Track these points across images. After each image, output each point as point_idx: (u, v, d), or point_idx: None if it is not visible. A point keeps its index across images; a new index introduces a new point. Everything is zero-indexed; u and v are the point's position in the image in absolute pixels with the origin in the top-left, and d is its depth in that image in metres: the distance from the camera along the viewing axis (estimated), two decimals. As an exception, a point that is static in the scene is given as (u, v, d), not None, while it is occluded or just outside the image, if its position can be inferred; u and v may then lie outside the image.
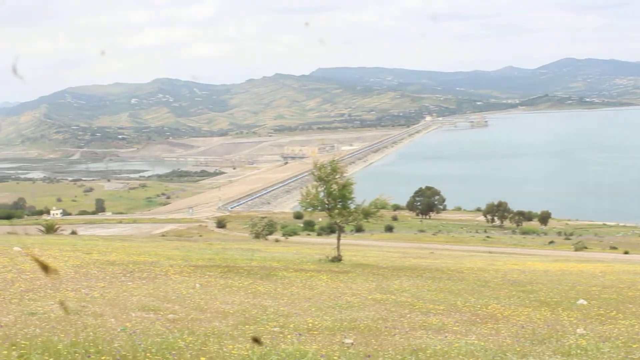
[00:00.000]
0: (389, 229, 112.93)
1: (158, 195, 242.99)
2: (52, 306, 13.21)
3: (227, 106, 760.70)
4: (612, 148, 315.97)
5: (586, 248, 76.88)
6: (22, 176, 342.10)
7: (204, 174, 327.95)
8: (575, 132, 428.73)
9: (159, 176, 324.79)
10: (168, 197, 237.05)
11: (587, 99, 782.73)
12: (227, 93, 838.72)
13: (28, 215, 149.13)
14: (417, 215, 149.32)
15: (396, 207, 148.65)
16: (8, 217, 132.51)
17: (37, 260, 6.14)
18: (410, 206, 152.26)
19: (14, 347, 8.98)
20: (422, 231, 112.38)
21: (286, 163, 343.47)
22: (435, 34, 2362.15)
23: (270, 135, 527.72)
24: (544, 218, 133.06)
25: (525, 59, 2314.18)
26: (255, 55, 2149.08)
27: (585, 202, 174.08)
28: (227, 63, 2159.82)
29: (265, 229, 76.37)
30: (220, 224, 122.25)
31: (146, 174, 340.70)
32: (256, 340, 10.20)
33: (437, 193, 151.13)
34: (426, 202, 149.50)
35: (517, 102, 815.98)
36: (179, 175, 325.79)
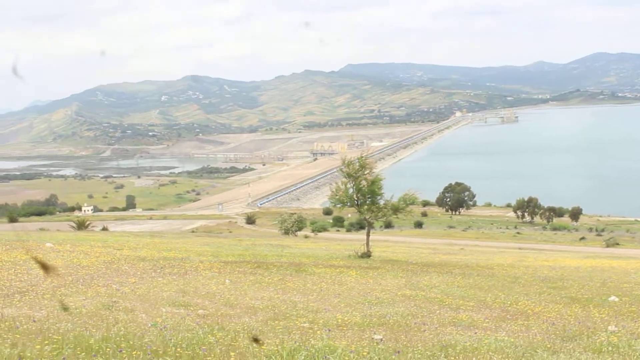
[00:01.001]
0: (419, 225, 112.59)
1: (188, 192, 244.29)
2: (83, 301, 13.36)
3: (256, 103, 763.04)
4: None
5: (618, 244, 75.97)
6: (54, 173, 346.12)
7: (234, 171, 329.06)
8: (607, 127, 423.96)
9: (189, 173, 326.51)
10: (198, 194, 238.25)
11: (620, 94, 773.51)
12: (256, 90, 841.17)
13: (60, 212, 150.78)
14: (447, 211, 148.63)
15: (425, 203, 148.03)
16: (40, 213, 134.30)
17: (36, 260, 6.23)
18: (440, 202, 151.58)
19: (46, 342, 9.09)
20: (451, 227, 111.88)
21: (315, 159, 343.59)
22: (465, 29, 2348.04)
23: (299, 132, 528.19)
24: (575, 214, 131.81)
25: (557, 53, 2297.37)
26: (283, 52, 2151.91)
27: (617, 198, 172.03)
28: (256, 60, 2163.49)
29: (294, 225, 76.53)
30: (250, 220, 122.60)
31: (176, 171, 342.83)
32: (256, 340, 10.23)
33: (467, 189, 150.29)
34: (456, 198, 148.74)
35: (548, 97, 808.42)
36: (209, 172, 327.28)
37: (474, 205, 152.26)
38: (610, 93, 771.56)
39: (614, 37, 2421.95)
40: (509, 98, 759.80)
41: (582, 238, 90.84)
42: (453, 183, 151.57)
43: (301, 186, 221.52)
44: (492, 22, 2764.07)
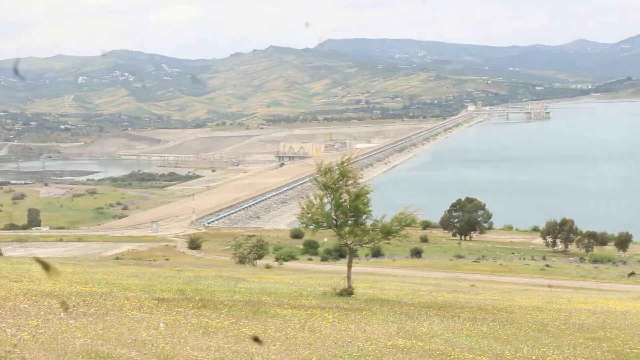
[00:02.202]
0: (417, 253, 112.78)
1: (112, 205, 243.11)
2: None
3: (205, 88, 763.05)
4: None
5: (679, 282, 76.62)
6: None
7: (174, 178, 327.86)
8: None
9: (114, 180, 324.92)
10: (125, 208, 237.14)
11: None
12: (205, 71, 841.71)
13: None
14: (454, 235, 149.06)
15: (426, 225, 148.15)
16: None
17: (37, 259, 6.60)
18: (446, 224, 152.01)
19: None
20: (460, 257, 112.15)
21: (282, 164, 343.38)
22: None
23: (261, 128, 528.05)
24: (623, 242, 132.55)
25: (602, 30, 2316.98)
26: (244, 21, 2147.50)
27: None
28: (207, 31, 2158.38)
29: (252, 251, 76.28)
30: (194, 244, 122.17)
31: (96, 177, 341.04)
32: (256, 340, 10.32)
33: (480, 207, 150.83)
34: (466, 219, 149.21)
35: (590, 87, 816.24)
36: (140, 179, 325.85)
37: (490, 228, 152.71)
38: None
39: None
40: (538, 88, 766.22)
41: (632, 273, 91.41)
42: (463, 199, 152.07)
43: (262, 200, 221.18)
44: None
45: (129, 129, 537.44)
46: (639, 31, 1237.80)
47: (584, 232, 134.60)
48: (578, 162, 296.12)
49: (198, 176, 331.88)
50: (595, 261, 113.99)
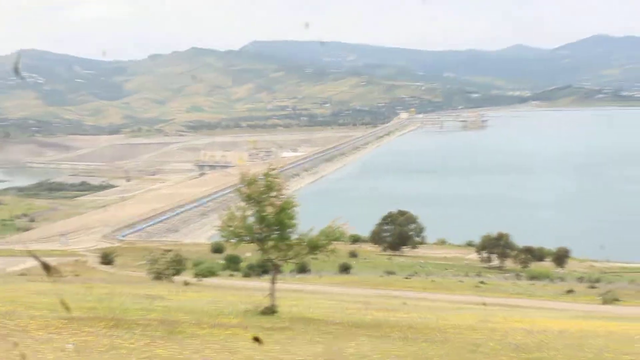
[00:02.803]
0: (345, 269, 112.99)
1: (17, 217, 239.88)
2: None
3: (121, 92, 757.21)
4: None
5: (618, 300, 77.72)
6: None
7: (85, 188, 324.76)
8: (608, 139, 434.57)
9: (20, 189, 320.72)
10: (32, 220, 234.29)
11: (626, 93, 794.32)
12: (121, 73, 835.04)
13: None
14: (385, 250, 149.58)
15: (356, 239, 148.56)
16: None
17: (37, 259, 6.69)
18: (376, 238, 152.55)
19: None
20: (391, 273, 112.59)
21: (203, 174, 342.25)
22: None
23: (181, 135, 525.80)
24: (561, 257, 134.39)
25: (541, 35, 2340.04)
26: (162, 20, 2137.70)
27: (618, 237, 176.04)
28: (122, 30, 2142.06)
29: (170, 267, 75.78)
30: (107, 258, 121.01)
31: (0, 187, 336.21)
32: (257, 340, 10.42)
33: (413, 220, 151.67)
34: (398, 233, 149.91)
35: (529, 94, 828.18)
36: (49, 189, 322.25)
37: (423, 242, 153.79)
38: (613, 91, 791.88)
39: (619, 14, 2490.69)
40: (474, 95, 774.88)
41: (570, 291, 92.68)
42: (394, 211, 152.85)
43: (181, 212, 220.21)
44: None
45: (38, 135, 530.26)
46: (579, 37, 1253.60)
47: (520, 247, 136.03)
48: (515, 173, 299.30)
49: (112, 186, 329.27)
50: (532, 278, 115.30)
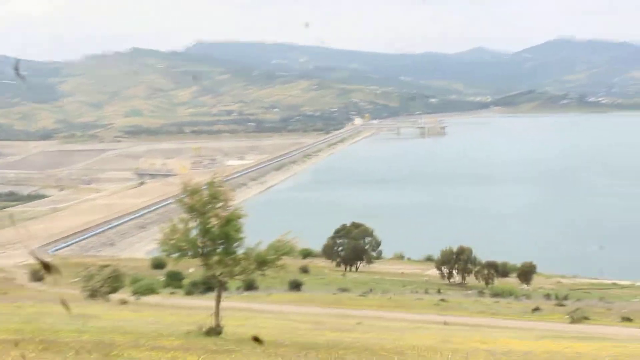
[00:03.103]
0: (296, 286, 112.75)
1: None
2: None
3: (54, 94, 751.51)
4: (628, 172, 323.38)
5: (587, 319, 78.17)
6: None
7: (14, 198, 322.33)
8: (572, 146, 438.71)
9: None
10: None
11: (591, 99, 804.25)
12: (55, 75, 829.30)
13: None
14: (339, 266, 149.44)
15: (307, 254, 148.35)
16: None
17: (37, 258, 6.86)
18: (329, 252, 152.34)
19: None
20: (345, 290, 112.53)
21: (142, 183, 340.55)
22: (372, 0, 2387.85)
23: (119, 141, 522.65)
24: (526, 273, 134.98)
25: (503, 38, 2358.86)
26: (102, 19, 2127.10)
27: (586, 251, 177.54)
28: (57, 28, 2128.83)
29: (106, 283, 75.18)
30: (37, 275, 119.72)
31: None
32: (257, 340, 10.31)
33: (368, 233, 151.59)
34: (352, 247, 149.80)
35: (489, 100, 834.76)
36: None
37: (379, 257, 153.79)
38: (578, 97, 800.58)
39: (584, 17, 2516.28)
40: (432, 100, 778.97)
41: (536, 309, 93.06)
42: (348, 224, 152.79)
43: (118, 224, 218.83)
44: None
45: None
46: (541, 40, 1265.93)
47: (483, 262, 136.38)
48: (476, 182, 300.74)
49: (43, 196, 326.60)
50: (495, 295, 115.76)
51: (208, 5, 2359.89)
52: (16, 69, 6.36)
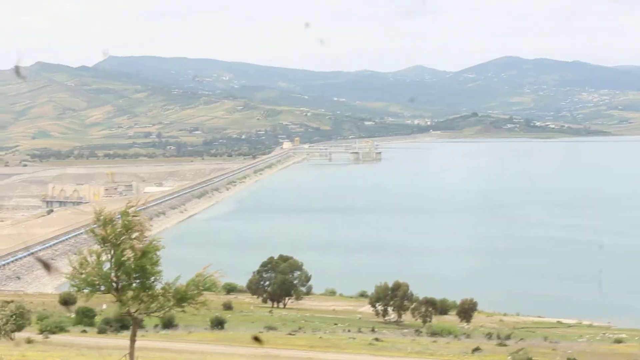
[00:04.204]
0: (219, 323, 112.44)
1: None
2: None
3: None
4: (575, 202, 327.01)
5: (531, 359, 78.96)
6: None
7: None
8: (517, 174, 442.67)
9: None
10: None
11: (537, 123, 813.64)
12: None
13: None
14: (265, 302, 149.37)
15: (231, 289, 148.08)
16: None
17: (37, 259, 6.91)
18: (254, 287, 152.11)
19: None
20: (272, 328, 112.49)
21: (51, 211, 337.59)
22: (301, 11, 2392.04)
23: (25, 165, 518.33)
24: (466, 310, 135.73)
25: (443, 56, 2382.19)
26: (3, 32, 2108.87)
27: (529, 287, 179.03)
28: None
29: (10, 321, 74.54)
30: None
31: None
32: (257, 339, 10.37)
33: (297, 267, 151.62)
34: (280, 282, 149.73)
35: (429, 123, 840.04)
36: None
37: (309, 293, 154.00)
38: (524, 121, 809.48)
39: (531, 34, 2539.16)
40: (367, 123, 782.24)
41: (477, 349, 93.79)
42: (275, 257, 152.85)
43: (24, 256, 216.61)
44: (343, 2, 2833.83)
45: None
46: (486, 58, 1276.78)
47: (420, 298, 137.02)
48: (413, 213, 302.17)
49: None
50: (434, 334, 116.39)
51: (120, 17, 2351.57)
52: (16, 69, 6.48)
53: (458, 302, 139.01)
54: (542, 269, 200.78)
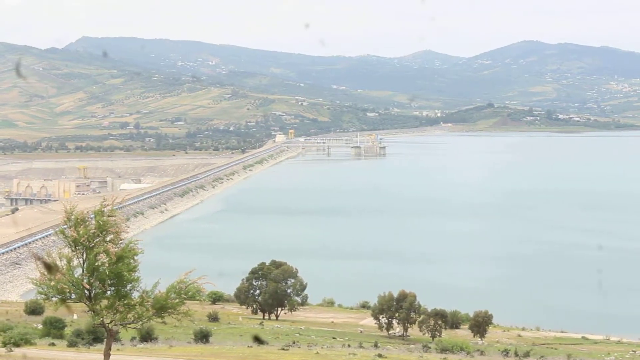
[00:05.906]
0: (203, 337, 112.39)
1: None
2: None
3: None
4: (604, 204, 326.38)
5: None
6: None
7: None
8: (537, 173, 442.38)
9: None
10: None
11: (560, 115, 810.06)
12: None
13: None
14: (255, 313, 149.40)
15: (217, 298, 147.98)
16: None
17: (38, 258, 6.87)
18: (243, 297, 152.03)
19: None
20: (262, 343, 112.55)
21: (15, 210, 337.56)
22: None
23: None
24: (480, 324, 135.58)
25: (456, 40, 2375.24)
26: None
27: (551, 299, 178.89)
28: None
29: (-30, 332, 74.77)
30: None
31: None
32: (257, 339, 10.51)
33: (292, 274, 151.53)
34: (272, 291, 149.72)
35: (439, 114, 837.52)
36: None
37: (305, 303, 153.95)
38: (546, 113, 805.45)
39: (555, 16, 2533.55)
40: (370, 114, 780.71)
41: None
42: (267, 263, 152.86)
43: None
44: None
45: None
46: (503, 42, 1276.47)
47: (429, 310, 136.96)
48: (421, 216, 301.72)
49: None
50: (443, 350, 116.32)
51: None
52: (17, 68, 6.25)
53: (471, 314, 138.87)
54: (565, 278, 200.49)
